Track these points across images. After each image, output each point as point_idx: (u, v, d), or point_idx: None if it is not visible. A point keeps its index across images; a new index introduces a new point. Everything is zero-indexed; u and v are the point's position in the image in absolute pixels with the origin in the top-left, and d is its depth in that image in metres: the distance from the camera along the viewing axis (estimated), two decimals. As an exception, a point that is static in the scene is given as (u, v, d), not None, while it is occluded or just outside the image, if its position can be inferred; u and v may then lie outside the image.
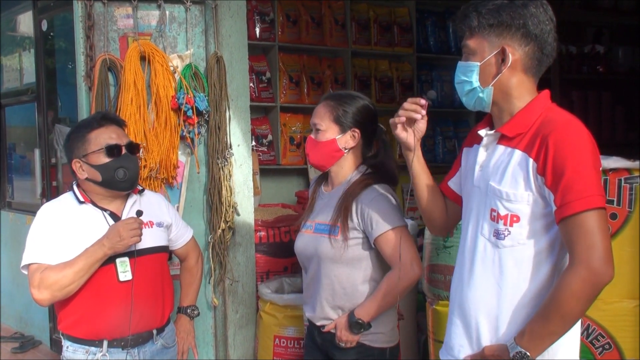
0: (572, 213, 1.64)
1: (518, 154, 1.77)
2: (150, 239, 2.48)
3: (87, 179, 2.43)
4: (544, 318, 1.69)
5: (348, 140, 2.46)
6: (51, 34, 4.95)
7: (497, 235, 1.79)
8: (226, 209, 3.50)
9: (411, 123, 1.98)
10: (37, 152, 5.02)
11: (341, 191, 2.46)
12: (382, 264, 2.42)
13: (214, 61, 3.47)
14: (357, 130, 2.46)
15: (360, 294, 2.41)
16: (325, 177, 2.60)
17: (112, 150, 2.41)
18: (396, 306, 2.53)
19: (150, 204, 2.58)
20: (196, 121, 3.41)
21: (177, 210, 3.40)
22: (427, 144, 5.45)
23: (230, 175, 3.53)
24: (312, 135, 2.50)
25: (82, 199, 2.45)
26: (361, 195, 2.40)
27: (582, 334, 2.50)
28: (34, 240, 2.38)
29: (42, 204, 3.14)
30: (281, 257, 3.87)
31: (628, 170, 2.58)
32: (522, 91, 1.82)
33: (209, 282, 3.56)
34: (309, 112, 2.71)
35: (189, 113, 3.36)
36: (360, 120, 2.47)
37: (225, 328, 3.64)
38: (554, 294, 1.68)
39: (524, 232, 1.76)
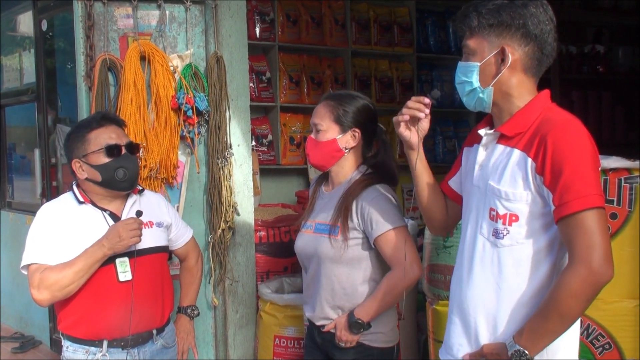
0: (570, 212, 1.64)
1: (517, 153, 1.77)
2: (150, 239, 2.48)
3: (86, 179, 2.43)
4: (542, 317, 1.69)
5: (349, 140, 2.46)
6: (50, 33, 4.94)
7: (496, 234, 1.80)
8: (226, 209, 3.50)
9: (415, 122, 1.97)
10: (37, 152, 5.02)
11: (341, 191, 2.46)
12: (382, 264, 2.42)
13: (214, 61, 3.47)
14: (357, 130, 2.46)
15: (360, 294, 2.41)
16: (325, 177, 2.60)
17: (112, 150, 2.41)
18: (396, 306, 2.53)
19: (150, 204, 2.58)
20: (196, 121, 3.41)
21: (177, 210, 3.40)
22: (427, 143, 5.43)
23: (230, 175, 3.53)
24: (313, 135, 2.50)
25: (81, 199, 2.45)
26: (361, 195, 2.40)
27: (582, 333, 2.51)
28: (34, 241, 2.38)
29: (42, 204, 3.14)
30: (281, 257, 3.87)
31: (628, 170, 2.58)
32: (522, 91, 1.82)
33: (209, 282, 3.56)
34: (309, 112, 2.71)
35: (189, 113, 3.36)
36: (361, 120, 2.47)
37: (225, 328, 3.64)
38: (553, 293, 1.68)
39: (522, 232, 1.76)
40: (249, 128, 3.74)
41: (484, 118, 1.97)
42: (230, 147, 3.53)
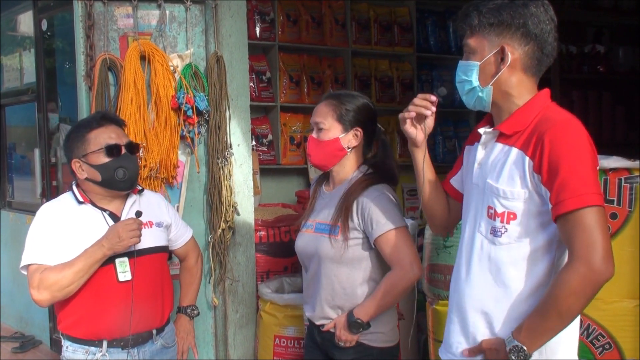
0: (566, 211, 1.64)
1: (515, 151, 1.77)
2: (149, 239, 2.47)
3: (86, 178, 2.43)
4: (541, 314, 1.69)
5: (351, 139, 2.46)
6: (48, 33, 4.94)
7: (494, 232, 1.80)
8: (226, 209, 3.50)
9: (421, 119, 1.97)
10: (37, 151, 5.02)
11: (342, 191, 2.46)
12: (382, 265, 2.42)
13: (214, 61, 3.47)
14: (359, 129, 2.46)
15: (360, 294, 2.41)
16: (326, 177, 2.60)
17: (112, 150, 2.41)
18: (396, 306, 2.53)
19: (150, 204, 2.57)
20: (196, 121, 3.41)
21: (177, 210, 3.40)
22: (428, 143, 5.38)
23: (230, 175, 3.53)
24: (314, 135, 2.49)
25: (81, 199, 2.45)
26: (362, 195, 2.40)
27: (582, 333, 2.51)
28: (33, 241, 2.38)
29: (42, 203, 3.14)
30: (281, 256, 3.87)
31: (628, 170, 2.58)
32: (521, 90, 1.82)
33: (209, 282, 3.56)
34: (309, 111, 2.71)
35: (189, 113, 3.36)
36: (362, 119, 2.47)
37: (225, 328, 3.64)
38: (552, 290, 1.68)
39: (520, 230, 1.76)
40: (249, 128, 3.74)
41: (484, 117, 1.97)
42: (230, 146, 3.53)
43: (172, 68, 3.38)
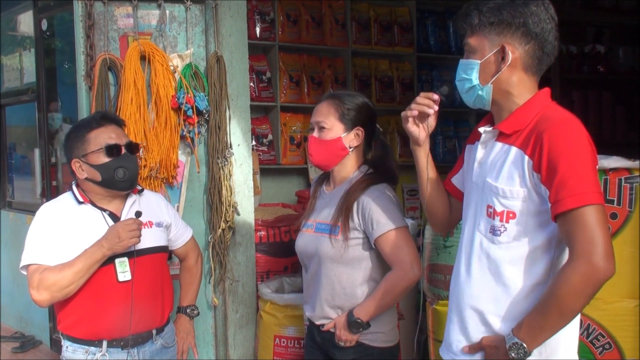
0: (566, 209, 1.64)
1: (514, 150, 1.77)
2: (149, 239, 2.47)
3: (86, 178, 2.43)
4: (542, 312, 1.69)
5: (352, 139, 2.46)
6: (48, 33, 4.94)
7: (493, 231, 1.80)
8: (226, 209, 3.50)
9: (423, 118, 1.97)
10: (37, 151, 5.02)
11: (342, 191, 2.46)
12: (382, 264, 2.41)
13: (214, 61, 3.47)
14: (361, 128, 2.46)
15: (360, 294, 2.41)
16: (326, 177, 2.60)
17: (112, 150, 2.41)
18: (396, 306, 2.53)
19: (150, 204, 2.57)
20: (196, 121, 3.41)
21: (177, 210, 3.40)
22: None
23: (231, 175, 3.53)
24: (315, 134, 2.48)
25: (81, 199, 2.45)
26: (362, 196, 2.39)
27: (582, 333, 2.51)
28: (33, 241, 2.38)
29: (42, 203, 3.14)
30: (281, 256, 3.87)
31: (628, 170, 2.58)
32: (521, 89, 1.82)
33: (209, 282, 3.56)
34: (309, 111, 2.70)
35: (189, 112, 3.36)
36: (363, 119, 2.47)
37: (225, 328, 3.64)
38: (553, 288, 1.68)
39: (519, 229, 1.76)
40: (249, 128, 3.74)
41: (485, 116, 1.97)
42: (231, 146, 3.53)
43: (172, 68, 3.38)
